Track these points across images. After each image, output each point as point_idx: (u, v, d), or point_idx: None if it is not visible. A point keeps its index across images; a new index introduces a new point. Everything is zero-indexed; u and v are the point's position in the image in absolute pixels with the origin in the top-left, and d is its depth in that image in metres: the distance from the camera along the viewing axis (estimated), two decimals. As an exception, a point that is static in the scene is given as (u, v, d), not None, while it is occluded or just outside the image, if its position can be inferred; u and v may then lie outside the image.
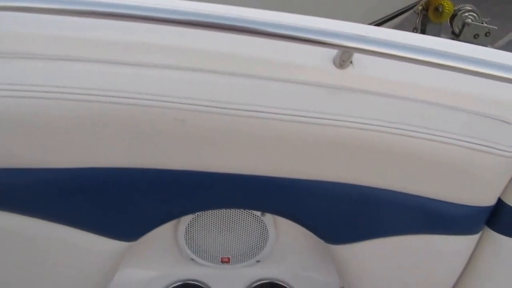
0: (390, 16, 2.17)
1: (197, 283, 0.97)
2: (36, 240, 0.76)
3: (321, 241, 0.84)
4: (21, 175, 0.70)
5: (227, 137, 0.68)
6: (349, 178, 0.73)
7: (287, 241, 0.96)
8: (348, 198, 0.75)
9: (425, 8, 2.41)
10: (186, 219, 0.90)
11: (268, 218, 0.91)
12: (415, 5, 2.34)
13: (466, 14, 2.33)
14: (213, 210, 0.89)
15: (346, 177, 0.73)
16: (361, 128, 0.67)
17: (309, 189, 0.74)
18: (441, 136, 0.68)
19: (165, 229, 0.94)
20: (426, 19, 2.44)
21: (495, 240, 0.79)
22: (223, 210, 0.89)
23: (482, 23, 2.32)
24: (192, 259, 0.96)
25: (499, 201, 0.76)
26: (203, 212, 0.89)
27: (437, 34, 2.40)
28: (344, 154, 0.70)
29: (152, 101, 0.65)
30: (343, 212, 0.77)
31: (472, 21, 2.32)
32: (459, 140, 0.68)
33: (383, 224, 0.78)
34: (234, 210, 0.89)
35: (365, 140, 0.68)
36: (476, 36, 2.31)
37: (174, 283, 0.97)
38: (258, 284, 0.98)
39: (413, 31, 2.30)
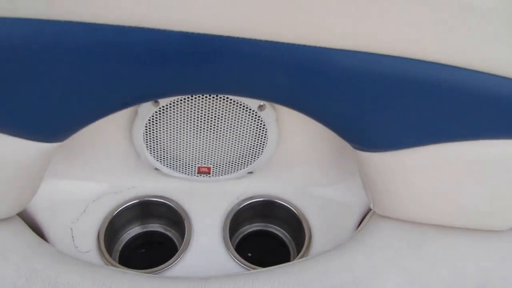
0: None
1: (163, 201, 0.69)
2: None
3: (344, 147, 0.56)
4: None
5: None
6: (398, 47, 0.43)
7: (292, 148, 0.67)
8: (399, 80, 0.45)
9: None
10: (146, 111, 0.59)
11: (268, 113, 0.61)
12: None
13: None
14: (186, 98, 0.58)
15: (394, 44, 0.43)
16: None
17: (337, 64, 0.44)
18: None
19: (115, 124, 0.63)
20: None
21: None
22: (202, 99, 0.59)
23: None
24: (157, 169, 0.67)
25: None
26: (172, 102, 0.59)
27: None
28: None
29: None
30: (389, 104, 0.48)
31: None
32: None
33: (446, 122, 0.49)
34: (218, 100, 0.59)
35: None
36: None
37: (132, 200, 0.69)
38: (249, 204, 0.70)
39: None
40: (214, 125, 0.62)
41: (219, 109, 0.60)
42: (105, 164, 0.68)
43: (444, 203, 0.59)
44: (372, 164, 0.56)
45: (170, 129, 0.62)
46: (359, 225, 0.69)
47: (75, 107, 0.48)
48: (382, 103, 0.48)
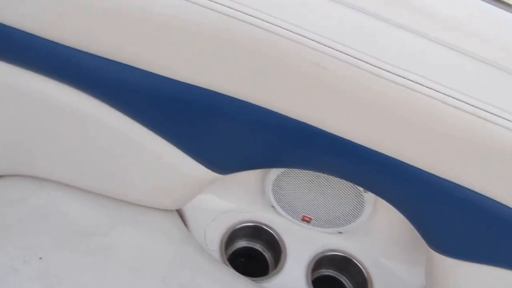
0: None
1: (269, 230, 0.92)
2: (131, 142, 0.72)
3: (421, 241, 0.74)
4: (133, 74, 0.64)
5: (368, 102, 0.56)
6: (487, 190, 0.60)
7: (380, 224, 0.87)
8: (479, 212, 0.62)
9: None
10: (278, 169, 0.83)
11: (370, 196, 0.81)
12: None
13: None
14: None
15: (485, 187, 0.60)
16: None
17: (432, 185, 0.62)
18: None
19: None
20: None
21: None
22: (323, 172, 0.80)
23: None
24: (273, 207, 0.90)
25: None
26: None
27: None
28: (492, 161, 0.56)
29: (297, 35, 0.54)
30: (465, 226, 0.65)
31: None
32: None
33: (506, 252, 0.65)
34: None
35: None
36: None
37: (248, 222, 0.92)
38: (332, 255, 0.91)
39: None
40: (325, 191, 0.83)
41: (333, 182, 0.81)
42: (238, 191, 0.92)
43: None
44: (440, 263, 0.73)
45: (292, 184, 0.85)
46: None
47: (235, 160, 0.72)
48: (455, 224, 0.66)
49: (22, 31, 0.61)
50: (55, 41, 0.61)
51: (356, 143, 0.62)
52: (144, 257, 0.77)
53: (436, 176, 0.62)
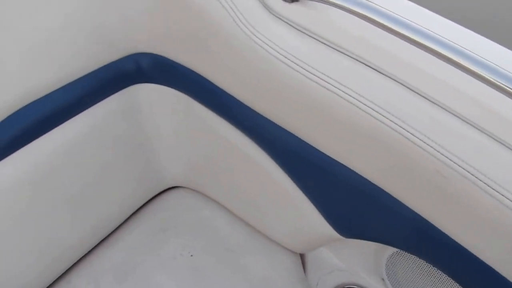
0: None
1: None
2: (284, 193, 0.92)
3: None
4: (297, 144, 0.81)
5: (477, 212, 0.65)
6: None
7: None
8: None
9: None
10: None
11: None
12: None
13: None
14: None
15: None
16: None
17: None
18: None
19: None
20: None
21: None
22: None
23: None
24: (383, 280, 1.01)
25: None
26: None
27: None
28: None
29: (427, 145, 0.65)
30: None
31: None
32: None
33: None
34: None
35: None
36: None
37: (358, 285, 1.04)
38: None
39: None
40: (434, 282, 0.91)
41: (440, 273, 0.89)
42: (356, 255, 1.05)
43: None
44: None
45: (405, 265, 0.94)
46: None
47: (358, 229, 0.85)
48: None
49: (231, 96, 0.85)
50: (250, 107, 0.84)
51: (464, 247, 0.71)
52: (265, 283, 0.95)
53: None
